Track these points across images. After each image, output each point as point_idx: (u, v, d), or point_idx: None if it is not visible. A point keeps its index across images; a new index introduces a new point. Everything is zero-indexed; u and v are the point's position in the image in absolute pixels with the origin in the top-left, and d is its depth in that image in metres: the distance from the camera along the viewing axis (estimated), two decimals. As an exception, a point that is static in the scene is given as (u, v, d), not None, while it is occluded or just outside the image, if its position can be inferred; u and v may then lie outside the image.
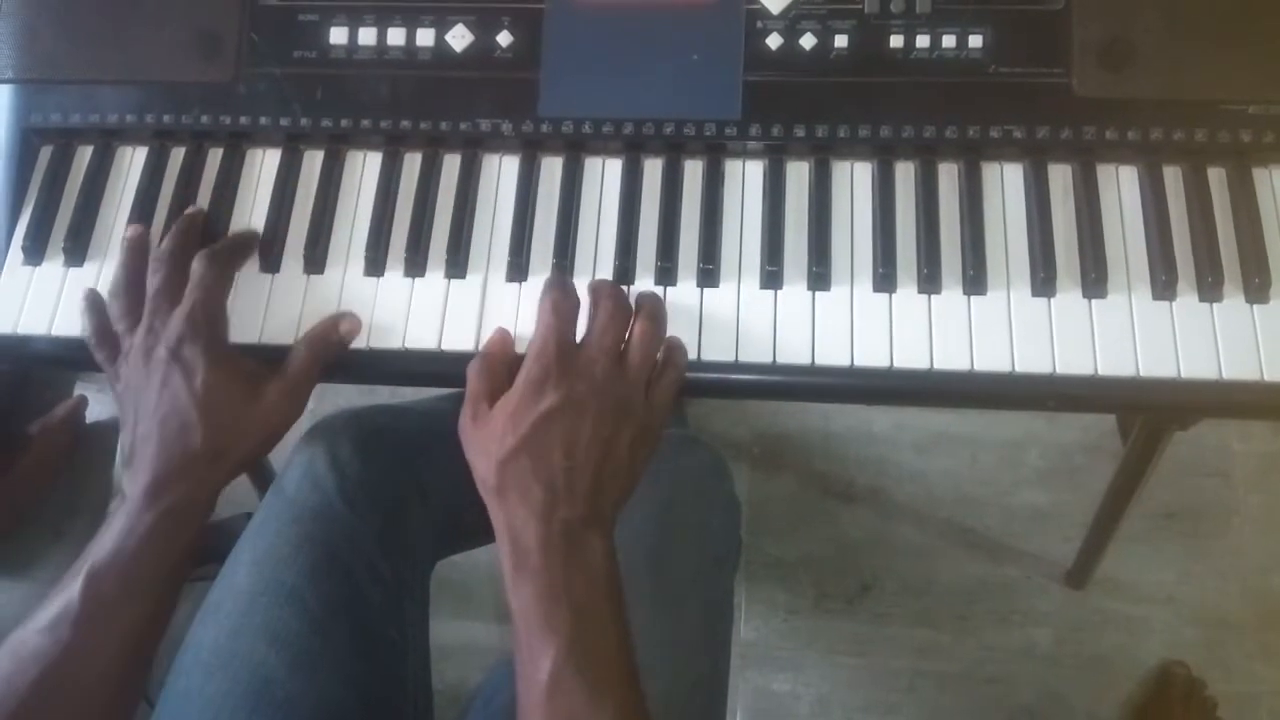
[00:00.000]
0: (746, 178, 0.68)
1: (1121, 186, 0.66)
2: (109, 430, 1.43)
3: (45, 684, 0.57)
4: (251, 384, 0.63)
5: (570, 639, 0.53)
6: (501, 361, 0.62)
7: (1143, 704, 1.19)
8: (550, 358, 0.58)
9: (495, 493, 0.58)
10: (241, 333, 0.67)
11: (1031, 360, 0.62)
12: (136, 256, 0.67)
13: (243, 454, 0.63)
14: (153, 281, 0.65)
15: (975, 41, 0.66)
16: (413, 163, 0.70)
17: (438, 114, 0.69)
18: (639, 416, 0.59)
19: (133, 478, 0.61)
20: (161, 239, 0.69)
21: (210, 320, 0.63)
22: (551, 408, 0.57)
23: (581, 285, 0.65)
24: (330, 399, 1.36)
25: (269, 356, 0.67)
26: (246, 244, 0.69)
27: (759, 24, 0.68)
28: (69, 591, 0.59)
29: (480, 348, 0.65)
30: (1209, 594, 1.25)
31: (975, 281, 0.64)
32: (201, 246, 0.67)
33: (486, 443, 0.58)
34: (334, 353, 0.66)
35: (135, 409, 0.63)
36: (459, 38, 0.70)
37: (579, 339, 0.61)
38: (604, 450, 0.57)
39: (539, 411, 0.57)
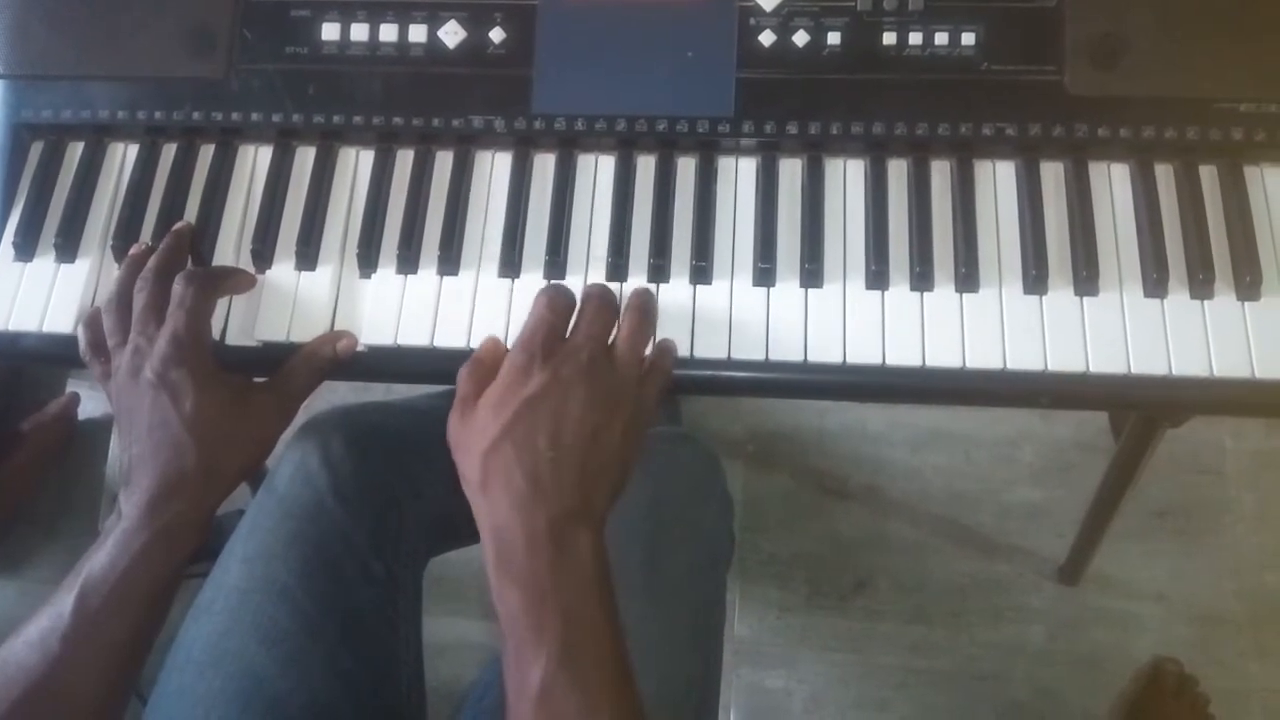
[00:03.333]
0: (739, 175, 0.68)
1: (1113, 184, 0.66)
2: (101, 427, 1.42)
3: (32, 697, 0.57)
4: (240, 400, 0.63)
5: (561, 646, 0.51)
6: (492, 365, 0.61)
7: (1135, 700, 1.19)
8: (536, 344, 0.57)
9: (479, 488, 0.56)
10: (235, 331, 0.67)
11: (1024, 357, 0.62)
12: (133, 272, 0.66)
13: (237, 469, 0.64)
14: (138, 299, 0.64)
15: (968, 39, 0.66)
16: (405, 159, 0.70)
17: (430, 110, 0.69)
18: (629, 408, 0.58)
19: (129, 496, 0.61)
20: (154, 239, 0.69)
21: (195, 341, 0.62)
22: (535, 392, 0.56)
23: (574, 284, 0.65)
24: (323, 396, 1.35)
25: (263, 355, 0.67)
26: (236, 275, 0.68)
27: (752, 21, 0.67)
28: (60, 605, 0.59)
29: (473, 347, 0.64)
30: (1201, 591, 1.25)
31: (967, 279, 0.64)
32: (188, 256, 0.67)
33: (470, 438, 0.57)
34: (328, 369, 0.66)
35: (130, 428, 0.62)
36: (451, 34, 0.69)
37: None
38: (591, 439, 0.56)
39: (523, 397, 0.56)
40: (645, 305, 0.62)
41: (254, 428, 0.64)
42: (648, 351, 0.62)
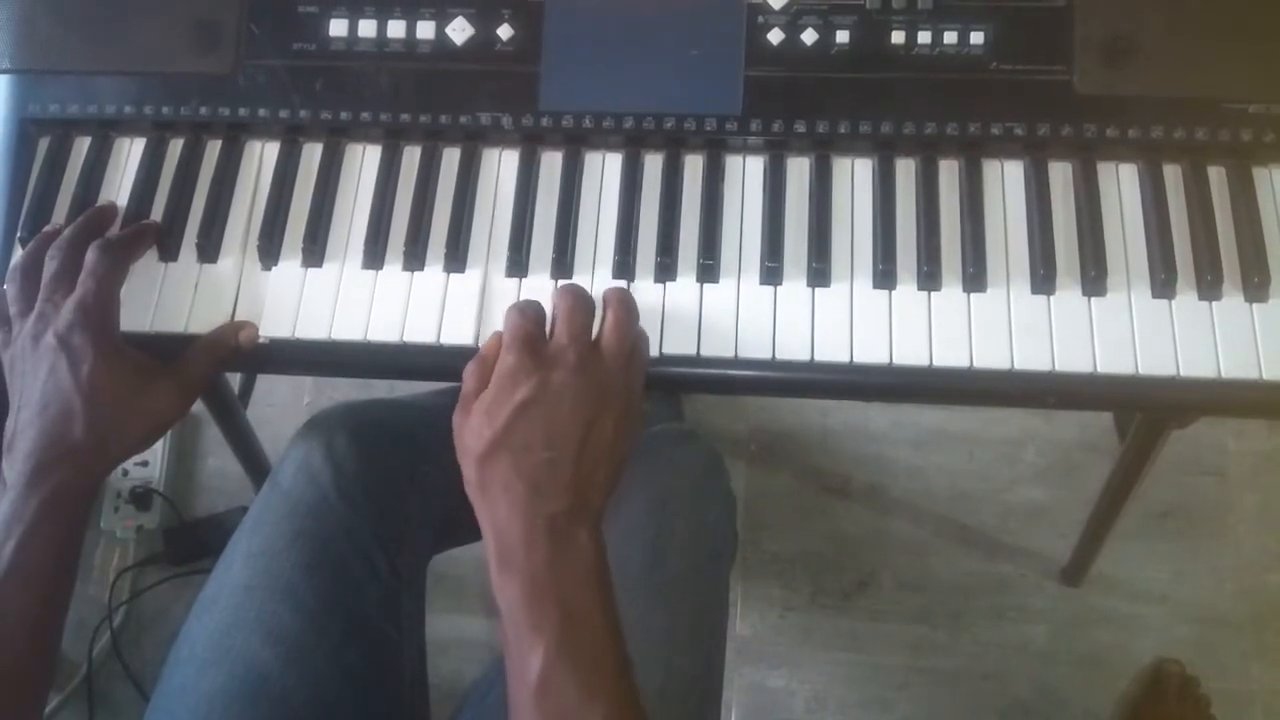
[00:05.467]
0: (747, 173, 0.68)
1: (1122, 184, 0.66)
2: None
3: None
4: (139, 377, 0.63)
5: (559, 636, 0.52)
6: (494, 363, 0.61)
7: (1137, 701, 1.19)
8: (521, 350, 0.57)
9: (478, 490, 0.56)
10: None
11: (1031, 358, 0.62)
12: (42, 246, 0.66)
13: (125, 445, 0.64)
14: (48, 268, 0.64)
15: (977, 38, 0.66)
16: (412, 156, 0.70)
17: (437, 107, 0.69)
18: (620, 400, 0.58)
19: (12, 464, 0.61)
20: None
21: (102, 309, 0.63)
22: (527, 398, 0.56)
23: (581, 283, 0.65)
24: (327, 393, 1.36)
25: (268, 352, 0.67)
26: (145, 235, 0.68)
27: (760, 19, 0.67)
28: None
29: (479, 346, 0.64)
30: (1203, 592, 1.25)
31: (975, 279, 0.64)
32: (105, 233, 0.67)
33: (468, 441, 0.57)
34: (230, 358, 0.66)
35: (20, 395, 0.62)
36: (459, 30, 0.69)
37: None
38: (585, 437, 0.56)
39: (515, 403, 0.56)
40: (625, 299, 0.61)
41: (149, 407, 0.63)
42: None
